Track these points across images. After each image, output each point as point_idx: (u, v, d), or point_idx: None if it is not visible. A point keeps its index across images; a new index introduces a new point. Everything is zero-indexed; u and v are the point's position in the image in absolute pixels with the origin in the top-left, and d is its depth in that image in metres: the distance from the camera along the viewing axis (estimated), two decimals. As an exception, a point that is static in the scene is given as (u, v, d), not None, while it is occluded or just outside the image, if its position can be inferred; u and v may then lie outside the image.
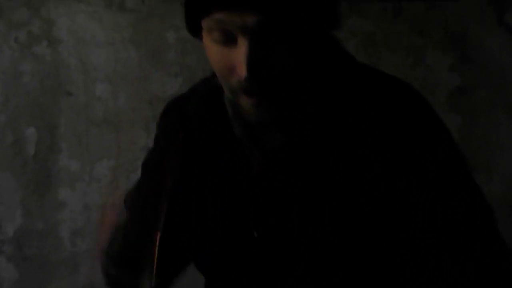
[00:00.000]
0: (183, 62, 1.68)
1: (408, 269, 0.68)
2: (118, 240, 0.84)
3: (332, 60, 0.74)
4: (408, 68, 1.62)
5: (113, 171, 1.67)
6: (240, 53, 0.64)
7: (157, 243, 0.77)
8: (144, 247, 0.81)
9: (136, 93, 1.68)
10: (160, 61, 1.69)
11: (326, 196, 0.68)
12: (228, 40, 0.65)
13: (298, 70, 0.68)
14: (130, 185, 1.63)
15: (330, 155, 0.69)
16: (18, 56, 1.70)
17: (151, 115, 1.66)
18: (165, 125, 0.85)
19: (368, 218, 0.67)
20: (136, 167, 1.66)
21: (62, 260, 1.66)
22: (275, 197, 0.71)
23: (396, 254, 0.68)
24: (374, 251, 0.68)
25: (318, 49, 0.71)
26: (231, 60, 0.66)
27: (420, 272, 0.67)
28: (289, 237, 0.70)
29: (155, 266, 0.77)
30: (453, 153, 0.70)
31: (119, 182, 1.66)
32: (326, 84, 0.72)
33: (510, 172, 1.60)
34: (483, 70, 1.62)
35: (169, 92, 1.67)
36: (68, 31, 1.70)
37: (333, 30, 0.72)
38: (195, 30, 0.70)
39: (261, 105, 0.68)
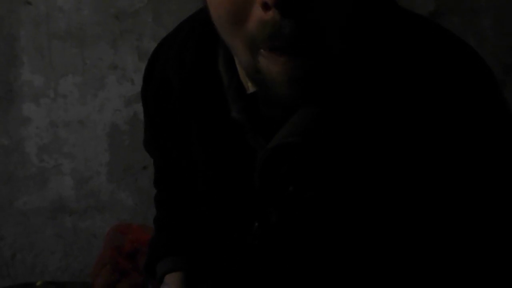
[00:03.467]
0: (152, -26, 1.58)
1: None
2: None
3: (381, 11, 0.54)
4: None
5: (79, 88, 1.62)
6: None
7: None
8: None
9: (102, 6, 1.58)
10: (126, -28, 1.58)
11: (340, 197, 0.54)
12: None
13: (355, 16, 0.47)
14: (98, 103, 1.60)
15: (361, 154, 0.52)
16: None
17: (118, 30, 1.59)
18: (146, 98, 0.73)
19: (394, 226, 0.54)
20: (104, 84, 1.62)
21: (30, 175, 1.65)
22: (280, 190, 0.57)
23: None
24: (387, 258, 0.56)
25: None
26: None
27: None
28: (290, 231, 0.60)
29: None
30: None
31: (86, 99, 1.62)
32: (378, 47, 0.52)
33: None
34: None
35: (136, 6, 1.58)
36: None
37: None
38: None
39: (298, 68, 0.44)
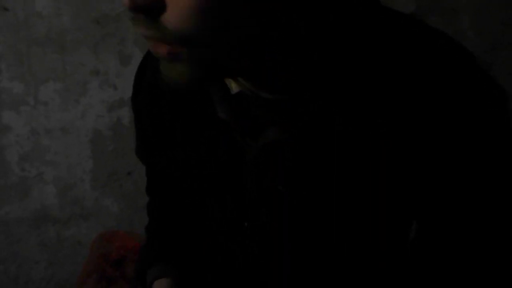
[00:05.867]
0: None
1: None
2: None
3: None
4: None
5: (60, 94, 1.59)
6: None
7: None
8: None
9: (82, 11, 1.56)
10: (106, -25, 1.56)
11: (330, 195, 0.54)
12: None
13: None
14: (80, 109, 1.58)
15: (344, 149, 0.52)
16: None
17: (99, 35, 1.57)
18: (136, 105, 0.74)
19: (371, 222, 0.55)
20: (86, 90, 1.60)
21: (11, 184, 1.62)
22: (270, 189, 0.58)
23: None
24: (369, 250, 0.58)
25: None
26: None
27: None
28: (280, 230, 0.61)
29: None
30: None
31: (68, 106, 1.59)
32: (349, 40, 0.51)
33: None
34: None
35: (118, 10, 1.56)
36: None
37: None
38: None
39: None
